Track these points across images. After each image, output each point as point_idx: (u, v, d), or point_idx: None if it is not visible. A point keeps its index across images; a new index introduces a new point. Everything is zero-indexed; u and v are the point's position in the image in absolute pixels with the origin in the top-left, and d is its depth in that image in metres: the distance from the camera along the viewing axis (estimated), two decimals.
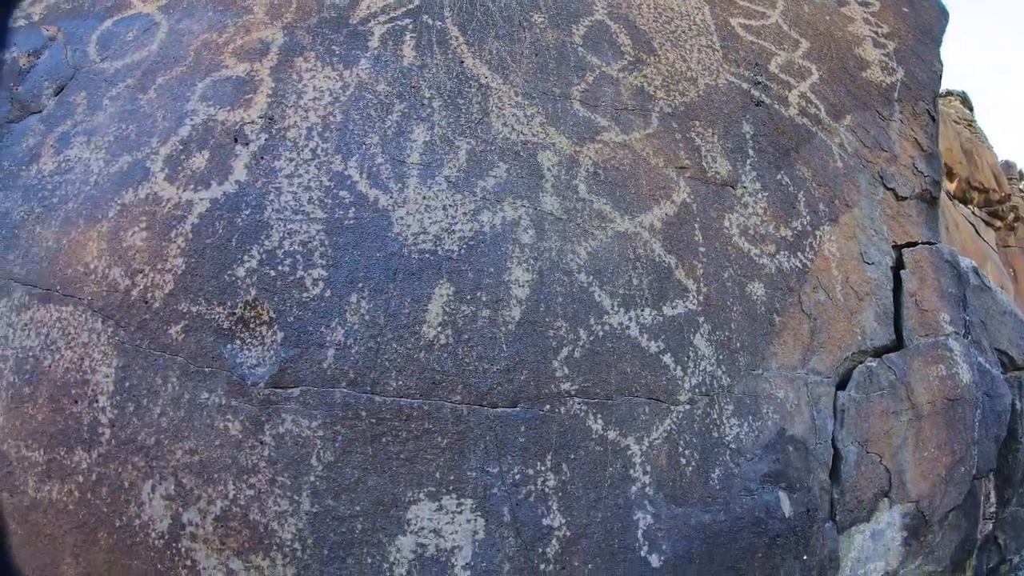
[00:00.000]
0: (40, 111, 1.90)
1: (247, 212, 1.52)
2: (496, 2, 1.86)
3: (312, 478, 1.38)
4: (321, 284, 1.45)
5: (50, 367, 1.55)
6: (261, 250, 1.48)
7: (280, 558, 1.38)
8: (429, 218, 1.52)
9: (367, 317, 1.43)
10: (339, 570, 1.37)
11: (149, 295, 1.51)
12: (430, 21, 1.81)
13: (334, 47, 1.77)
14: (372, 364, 1.41)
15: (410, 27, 1.80)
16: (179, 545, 1.42)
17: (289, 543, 1.38)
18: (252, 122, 1.66)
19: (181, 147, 1.66)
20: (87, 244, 1.62)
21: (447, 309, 1.46)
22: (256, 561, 1.39)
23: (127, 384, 1.48)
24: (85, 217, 1.65)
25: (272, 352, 1.42)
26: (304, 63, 1.75)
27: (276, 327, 1.43)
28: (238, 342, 1.44)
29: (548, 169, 1.64)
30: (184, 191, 1.58)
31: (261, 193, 1.54)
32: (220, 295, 1.46)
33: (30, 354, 1.58)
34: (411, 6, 1.84)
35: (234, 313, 1.45)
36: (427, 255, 1.48)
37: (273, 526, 1.38)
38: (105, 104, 1.84)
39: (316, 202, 1.52)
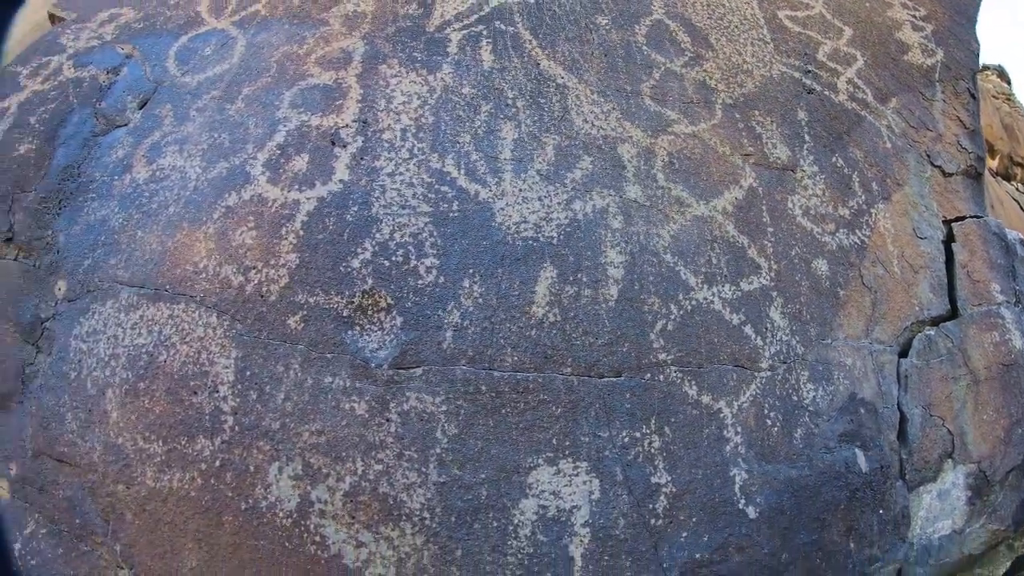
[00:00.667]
0: (126, 124, 2.11)
1: (355, 209, 1.75)
2: (562, 6, 2.13)
3: (438, 450, 1.60)
4: (434, 272, 1.69)
5: (166, 362, 1.74)
6: (373, 243, 1.71)
7: (409, 527, 1.59)
8: (527, 208, 1.77)
9: (480, 300, 1.67)
10: (467, 535, 1.59)
11: (264, 289, 1.73)
12: (503, 27, 2.07)
13: (415, 54, 2.02)
14: (488, 342, 1.65)
15: (485, 33, 2.06)
16: (308, 522, 1.61)
17: (418, 512, 1.59)
18: (347, 126, 1.90)
19: (279, 151, 1.89)
20: (194, 245, 1.84)
21: (552, 290, 1.70)
22: (386, 532, 1.60)
23: (248, 373, 1.69)
24: (189, 220, 1.87)
25: (392, 336, 1.65)
26: (388, 69, 2.00)
27: (395, 312, 1.66)
28: (358, 328, 1.67)
29: (628, 160, 1.89)
30: (289, 192, 1.81)
31: (366, 191, 1.77)
32: (338, 285, 1.69)
33: (143, 351, 1.78)
34: (483, 13, 2.10)
35: (352, 302, 1.67)
36: (530, 242, 1.73)
37: (402, 497, 1.60)
38: (192, 115, 2.06)
39: (420, 197, 1.76)
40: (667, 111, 2.00)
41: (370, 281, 1.67)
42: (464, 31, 2.05)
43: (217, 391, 1.68)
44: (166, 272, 1.82)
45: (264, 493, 1.62)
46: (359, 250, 1.70)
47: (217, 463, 1.65)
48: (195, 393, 1.70)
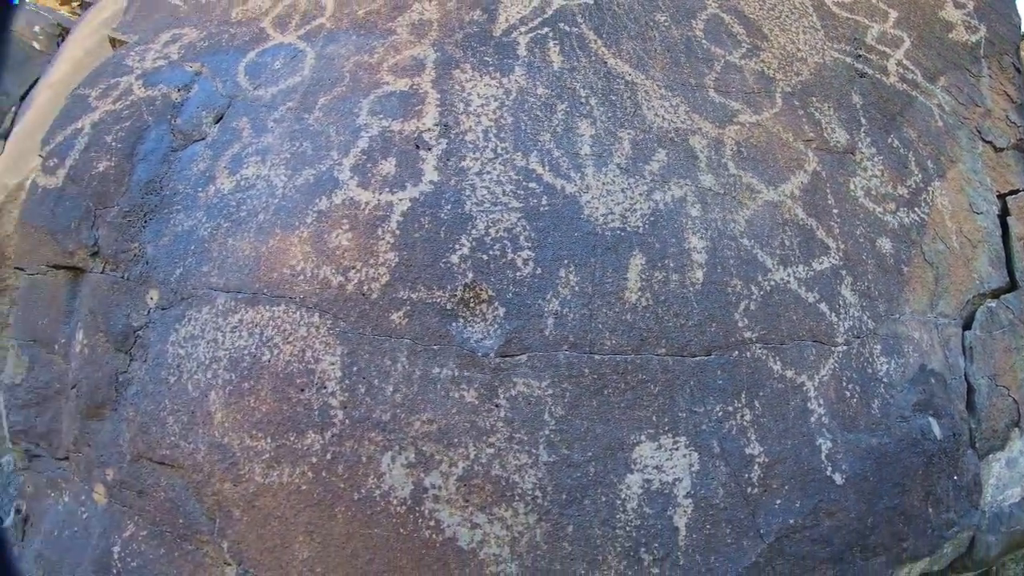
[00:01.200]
0: (203, 138, 2.30)
1: (448, 207, 1.95)
2: (621, 6, 2.33)
3: (547, 431, 1.79)
4: (531, 263, 1.88)
5: (270, 361, 1.92)
6: (470, 239, 1.90)
7: (522, 507, 1.78)
8: (612, 200, 1.97)
9: (577, 288, 1.87)
10: (577, 511, 1.78)
11: (365, 288, 1.92)
12: (567, 28, 2.27)
13: (486, 58, 2.22)
14: (588, 328, 1.84)
15: (551, 35, 2.25)
16: (422, 508, 1.78)
17: (530, 492, 1.77)
18: (429, 129, 2.09)
19: (365, 157, 2.08)
20: (289, 249, 2.02)
21: (643, 276, 1.90)
22: (499, 513, 1.78)
23: (355, 369, 1.86)
24: (281, 226, 2.05)
25: (496, 326, 1.84)
26: (462, 74, 2.19)
27: (496, 304, 1.86)
28: (461, 320, 1.86)
29: (700, 151, 2.09)
30: (380, 194, 2.00)
31: (457, 190, 1.97)
32: (439, 280, 1.88)
33: (245, 352, 1.96)
34: (546, 16, 2.30)
35: (455, 295, 1.86)
36: (618, 231, 1.93)
37: (514, 478, 1.78)
38: (271, 126, 2.24)
39: (510, 194, 1.95)
40: (731, 102, 2.21)
41: (470, 275, 1.86)
42: (530, 34, 2.25)
43: (324, 387, 1.86)
44: (262, 276, 2.00)
45: (377, 483, 1.80)
46: (456, 246, 1.89)
47: (328, 456, 1.82)
48: (302, 390, 1.88)
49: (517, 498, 1.76)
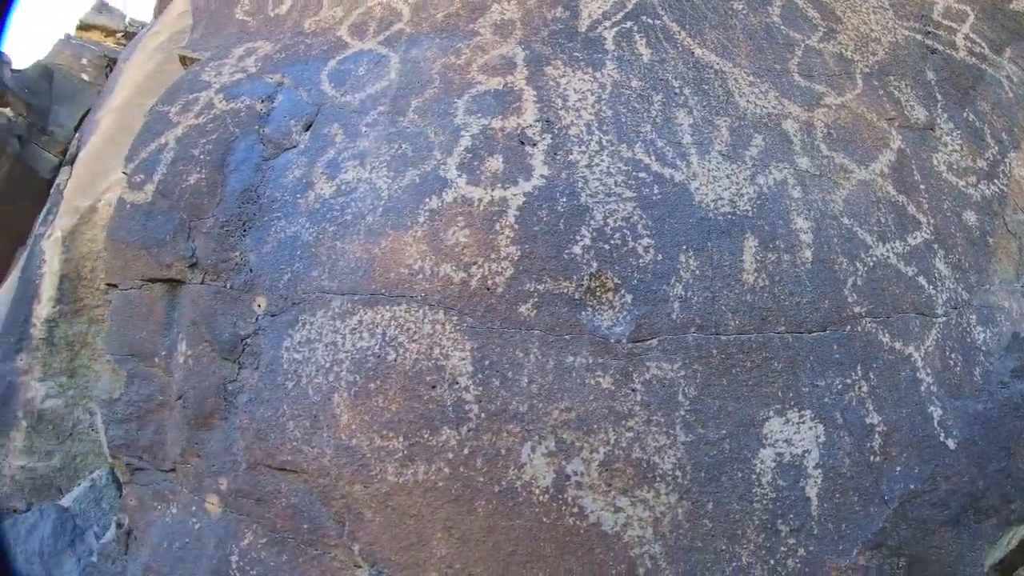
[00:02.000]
0: (295, 146, 2.44)
1: (564, 200, 2.12)
2: None
3: (682, 412, 1.96)
4: (652, 251, 2.06)
5: (396, 361, 2.04)
6: (590, 229, 2.07)
7: (663, 487, 1.95)
8: (719, 186, 2.16)
9: (697, 272, 2.06)
10: (716, 488, 1.95)
11: (490, 282, 2.08)
12: (650, 21, 2.46)
13: (576, 54, 2.40)
14: (712, 310, 2.03)
15: (635, 28, 2.44)
16: (565, 495, 1.89)
17: (671, 472, 1.94)
18: (530, 126, 2.27)
19: (470, 155, 2.25)
20: (404, 249, 2.17)
21: (757, 258, 2.09)
22: (641, 495, 1.94)
23: (487, 362, 2.00)
24: (392, 226, 2.20)
25: (625, 312, 2.03)
26: (554, 71, 2.37)
27: (623, 291, 2.04)
28: (590, 309, 2.04)
29: (793, 135, 2.28)
30: (493, 190, 2.17)
31: (569, 183, 2.15)
32: (564, 271, 2.05)
33: (369, 353, 2.09)
34: (627, 10, 2.48)
35: (582, 284, 2.04)
36: (729, 216, 2.12)
37: (655, 460, 1.95)
38: (364, 131, 2.40)
39: (623, 184, 2.14)
40: (816, 86, 2.42)
41: (595, 264, 2.04)
42: (615, 28, 2.44)
43: (457, 382, 2.01)
44: (378, 277, 2.15)
45: (518, 474, 1.93)
46: (577, 237, 2.06)
47: (465, 451, 1.93)
48: (433, 387, 2.02)
49: (658, 479, 1.92)
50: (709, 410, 1.97)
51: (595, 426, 1.95)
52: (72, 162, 3.76)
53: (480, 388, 1.97)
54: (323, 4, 2.79)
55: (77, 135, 4.30)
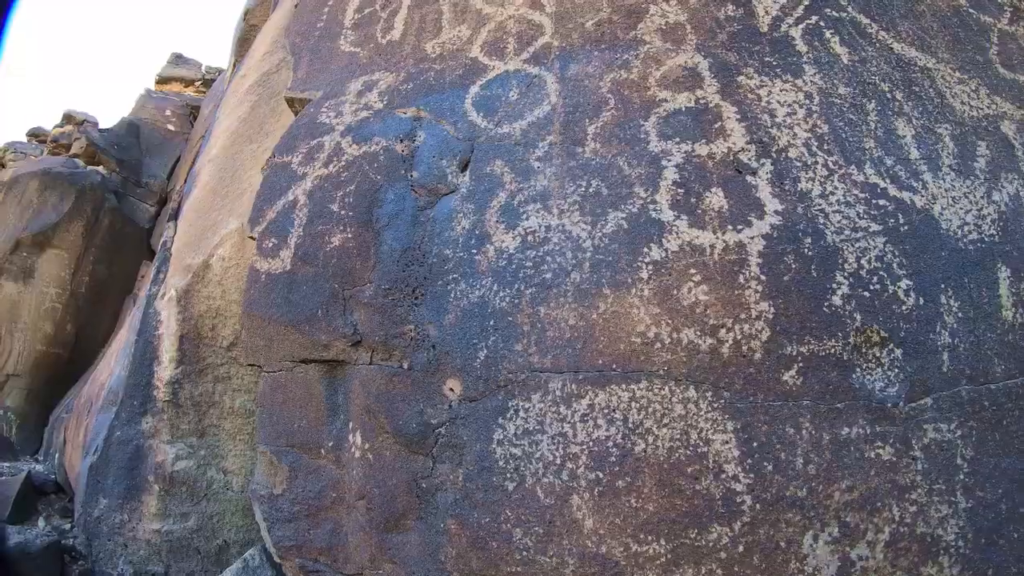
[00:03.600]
0: (453, 191, 2.01)
1: (808, 240, 1.86)
2: None
3: (961, 476, 1.80)
4: (913, 293, 1.86)
5: (646, 451, 1.78)
6: (844, 274, 1.85)
7: (946, 560, 1.79)
8: (960, 208, 1.98)
9: (959, 314, 1.88)
10: (995, 553, 1.81)
11: (745, 347, 1.80)
12: (835, 13, 2.21)
13: (767, 59, 2.11)
14: (978, 356, 1.86)
15: (822, 23, 2.19)
16: None
17: (953, 543, 1.79)
18: (742, 150, 1.97)
19: (681, 189, 1.92)
20: (630, 312, 1.84)
21: (1012, 290, 1.94)
22: (926, 571, 1.77)
23: (755, 444, 1.76)
24: (609, 284, 1.86)
25: (896, 370, 1.81)
26: (748, 81, 2.07)
27: (891, 345, 1.82)
28: (859, 369, 1.81)
29: (1013, 138, 2.12)
30: (724, 233, 1.86)
31: (809, 219, 1.89)
32: (828, 327, 1.81)
33: (609, 444, 1.80)
34: (807, 2, 2.21)
35: (848, 342, 1.81)
36: (977, 243, 1.95)
37: (938, 532, 1.79)
38: (536, 167, 2.01)
39: (866, 216, 1.91)
40: (1019, 76, 2.25)
41: (858, 317, 1.81)
42: (800, 25, 2.16)
43: (723, 471, 1.75)
44: (603, 349, 1.83)
45: (799, 567, 1.72)
46: (834, 285, 1.83)
47: (740, 548, 1.73)
48: (696, 479, 1.75)
49: (942, 552, 1.77)
50: (985, 470, 1.84)
51: (879, 504, 1.78)
52: (176, 217, 3.55)
53: (751, 475, 1.77)
54: (442, 25, 2.35)
55: (172, 186, 4.32)
